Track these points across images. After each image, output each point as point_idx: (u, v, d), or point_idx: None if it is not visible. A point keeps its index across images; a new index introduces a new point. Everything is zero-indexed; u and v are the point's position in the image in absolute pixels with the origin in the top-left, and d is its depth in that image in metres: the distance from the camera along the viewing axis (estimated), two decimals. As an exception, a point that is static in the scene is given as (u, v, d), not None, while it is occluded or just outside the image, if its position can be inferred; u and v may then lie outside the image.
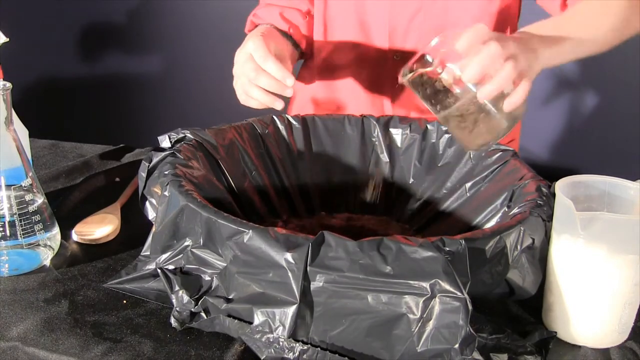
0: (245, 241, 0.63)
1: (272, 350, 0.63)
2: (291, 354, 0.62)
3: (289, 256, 0.61)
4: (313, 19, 1.14)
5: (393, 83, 1.11)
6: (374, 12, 1.09)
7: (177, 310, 0.69)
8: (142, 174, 0.79)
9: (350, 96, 1.16)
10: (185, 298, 0.68)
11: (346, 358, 0.62)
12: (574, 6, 0.96)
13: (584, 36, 0.92)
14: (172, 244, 0.72)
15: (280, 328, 0.62)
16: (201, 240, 0.68)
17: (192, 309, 0.68)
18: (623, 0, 0.95)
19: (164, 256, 0.72)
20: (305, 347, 0.62)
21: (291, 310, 0.61)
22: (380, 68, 1.11)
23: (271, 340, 0.62)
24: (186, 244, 0.70)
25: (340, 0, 1.10)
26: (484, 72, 0.75)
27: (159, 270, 0.71)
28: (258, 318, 0.63)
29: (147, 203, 0.77)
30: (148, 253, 0.79)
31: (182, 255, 0.71)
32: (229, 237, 0.64)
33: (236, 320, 0.65)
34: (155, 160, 0.79)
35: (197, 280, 0.70)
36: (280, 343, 0.62)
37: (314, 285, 0.61)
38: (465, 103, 0.77)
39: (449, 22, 1.06)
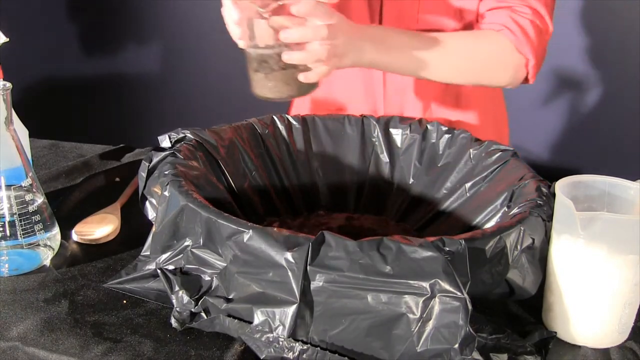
0: (245, 241, 0.63)
1: (272, 349, 0.63)
2: (291, 353, 0.62)
3: (289, 256, 0.61)
4: None
5: (385, 83, 1.12)
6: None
7: (177, 311, 0.69)
8: (142, 174, 0.79)
9: (344, 94, 1.16)
10: (185, 298, 0.68)
11: (346, 358, 0.62)
12: (452, 34, 1.00)
13: (435, 65, 0.96)
14: (172, 244, 0.72)
15: (280, 328, 0.62)
16: (201, 240, 0.68)
17: (192, 309, 0.68)
18: (490, 50, 0.99)
19: (164, 256, 0.72)
20: (305, 347, 0.62)
21: (291, 309, 0.61)
22: (374, 71, 1.12)
23: (271, 339, 0.62)
24: (186, 244, 0.70)
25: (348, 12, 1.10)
26: (301, 41, 0.82)
27: (158, 271, 0.71)
28: (258, 318, 0.63)
29: (147, 203, 0.77)
30: (148, 253, 0.79)
31: (182, 255, 0.71)
32: (229, 236, 0.64)
33: (236, 320, 0.65)
34: (155, 160, 0.79)
35: (197, 280, 0.70)
36: (280, 342, 0.62)
37: (314, 284, 0.61)
38: (272, 52, 0.82)
39: (445, 26, 1.06)
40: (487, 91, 1.15)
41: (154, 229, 0.74)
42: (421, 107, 1.12)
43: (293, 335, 0.62)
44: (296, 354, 0.62)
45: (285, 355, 0.62)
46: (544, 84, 1.99)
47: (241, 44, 0.86)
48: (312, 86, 0.86)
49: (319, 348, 0.62)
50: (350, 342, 0.62)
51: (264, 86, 0.85)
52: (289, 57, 0.83)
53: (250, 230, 0.63)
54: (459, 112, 1.13)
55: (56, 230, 0.83)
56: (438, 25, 1.05)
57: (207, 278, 0.69)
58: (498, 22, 0.99)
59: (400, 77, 1.10)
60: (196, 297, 0.68)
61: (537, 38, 0.99)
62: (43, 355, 0.66)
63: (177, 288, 0.69)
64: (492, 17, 1.01)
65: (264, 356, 0.63)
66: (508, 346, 0.65)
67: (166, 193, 0.72)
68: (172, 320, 0.69)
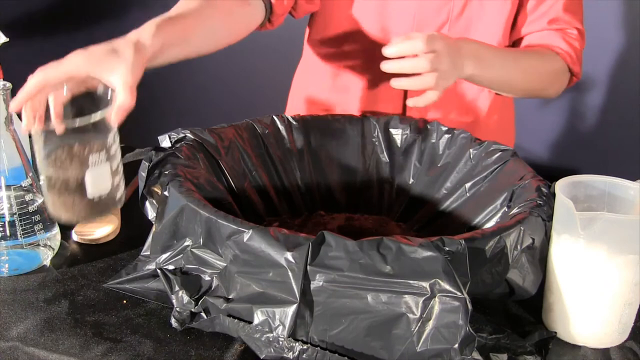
0: (245, 240, 0.63)
1: (272, 349, 0.63)
2: (291, 353, 0.62)
3: (289, 255, 0.61)
4: None
5: (407, 94, 1.11)
6: (398, 24, 1.08)
7: (177, 311, 0.69)
8: (142, 173, 0.79)
9: (361, 102, 1.15)
10: (185, 298, 0.68)
11: (346, 358, 0.62)
12: (525, 51, 1.07)
13: (514, 80, 1.02)
14: (172, 244, 0.72)
15: (280, 327, 0.62)
16: (201, 240, 0.68)
17: (192, 309, 0.68)
18: (553, 70, 1.06)
19: (164, 256, 0.72)
20: (305, 347, 0.62)
21: (291, 309, 0.61)
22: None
23: (271, 339, 0.62)
24: (186, 244, 0.70)
25: (364, 13, 1.09)
26: (400, 53, 0.82)
27: (158, 271, 0.71)
28: (258, 317, 0.63)
29: (147, 203, 0.77)
30: (148, 253, 0.79)
31: (182, 255, 0.71)
32: (229, 236, 0.64)
33: (236, 320, 0.65)
34: (155, 159, 0.79)
35: (197, 280, 0.70)
36: (280, 342, 0.62)
37: (314, 284, 0.61)
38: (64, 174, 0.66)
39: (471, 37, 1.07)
40: (503, 98, 1.16)
41: (154, 229, 0.74)
42: (440, 115, 1.12)
43: (293, 335, 0.62)
44: (296, 353, 0.62)
45: (285, 355, 0.62)
46: (544, 84, 1.98)
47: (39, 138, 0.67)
48: (102, 212, 0.70)
49: (318, 348, 0.62)
50: (350, 342, 0.62)
51: (54, 203, 0.68)
52: (398, 84, 0.85)
53: (251, 230, 0.63)
54: (475, 118, 1.14)
55: (56, 230, 0.83)
56: (467, 31, 1.07)
57: (207, 278, 0.69)
58: (556, 45, 1.07)
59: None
60: (196, 297, 0.68)
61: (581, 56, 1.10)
62: (43, 355, 0.66)
63: (177, 288, 0.69)
64: (547, 39, 1.08)
65: (263, 356, 0.63)
66: (508, 346, 0.65)
67: (166, 193, 0.72)
68: (172, 321, 0.69)
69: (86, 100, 0.69)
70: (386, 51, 0.83)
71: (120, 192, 0.70)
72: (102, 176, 0.66)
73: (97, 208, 0.67)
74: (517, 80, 1.03)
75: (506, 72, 1.00)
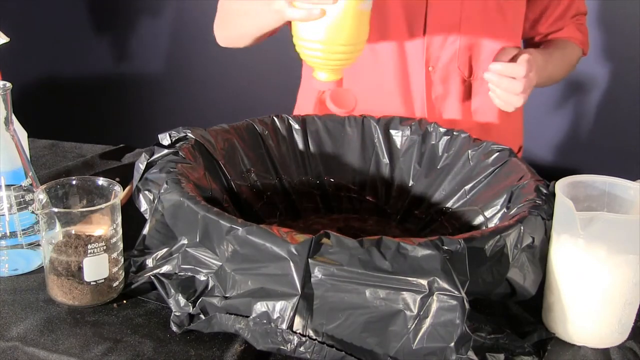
0: (246, 234, 0.63)
1: (270, 340, 0.62)
2: (288, 345, 0.62)
3: (292, 248, 0.61)
4: None
5: (426, 94, 1.11)
6: (410, 21, 1.08)
7: (175, 315, 0.68)
8: (140, 165, 0.79)
9: (380, 103, 1.14)
10: (182, 301, 0.68)
11: (342, 352, 0.62)
12: (551, 48, 1.19)
13: (553, 76, 1.18)
14: (168, 241, 0.71)
15: (280, 319, 0.62)
16: (197, 238, 0.67)
17: (190, 311, 0.68)
18: (575, 58, 1.23)
19: (160, 253, 0.72)
20: (303, 339, 0.62)
21: (292, 302, 0.61)
22: (413, 78, 1.11)
23: (269, 331, 0.62)
24: (182, 242, 0.70)
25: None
26: (503, 73, 0.98)
27: (153, 278, 0.71)
28: (257, 310, 0.63)
29: (141, 196, 0.77)
30: (141, 248, 0.78)
31: (177, 254, 0.71)
32: (228, 232, 0.64)
33: (234, 316, 0.65)
34: (156, 155, 0.79)
35: (192, 282, 0.70)
36: (278, 334, 0.62)
37: (314, 277, 0.61)
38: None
39: (485, 37, 1.09)
40: None
41: (148, 224, 0.74)
42: (460, 113, 1.12)
43: (291, 327, 0.62)
44: (293, 346, 0.62)
45: (282, 347, 0.62)
46: (544, 84, 1.98)
47: None
48: (98, 299, 0.73)
49: (316, 341, 0.62)
50: (346, 337, 0.62)
51: (53, 283, 0.73)
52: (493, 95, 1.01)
53: (253, 225, 0.63)
54: (486, 120, 1.14)
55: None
56: (480, 24, 1.08)
57: (203, 278, 0.69)
58: (574, 37, 1.21)
59: (442, 86, 1.10)
60: (193, 299, 0.68)
61: None
62: (43, 355, 0.66)
63: (172, 292, 0.69)
64: (565, 32, 1.21)
65: (260, 347, 0.63)
66: (506, 346, 0.65)
67: (164, 190, 0.72)
68: (172, 325, 0.68)
69: (91, 194, 0.78)
70: (492, 67, 0.97)
71: (118, 282, 0.75)
72: (100, 264, 0.72)
73: (94, 294, 0.73)
74: (553, 75, 1.16)
75: (550, 72, 1.12)
